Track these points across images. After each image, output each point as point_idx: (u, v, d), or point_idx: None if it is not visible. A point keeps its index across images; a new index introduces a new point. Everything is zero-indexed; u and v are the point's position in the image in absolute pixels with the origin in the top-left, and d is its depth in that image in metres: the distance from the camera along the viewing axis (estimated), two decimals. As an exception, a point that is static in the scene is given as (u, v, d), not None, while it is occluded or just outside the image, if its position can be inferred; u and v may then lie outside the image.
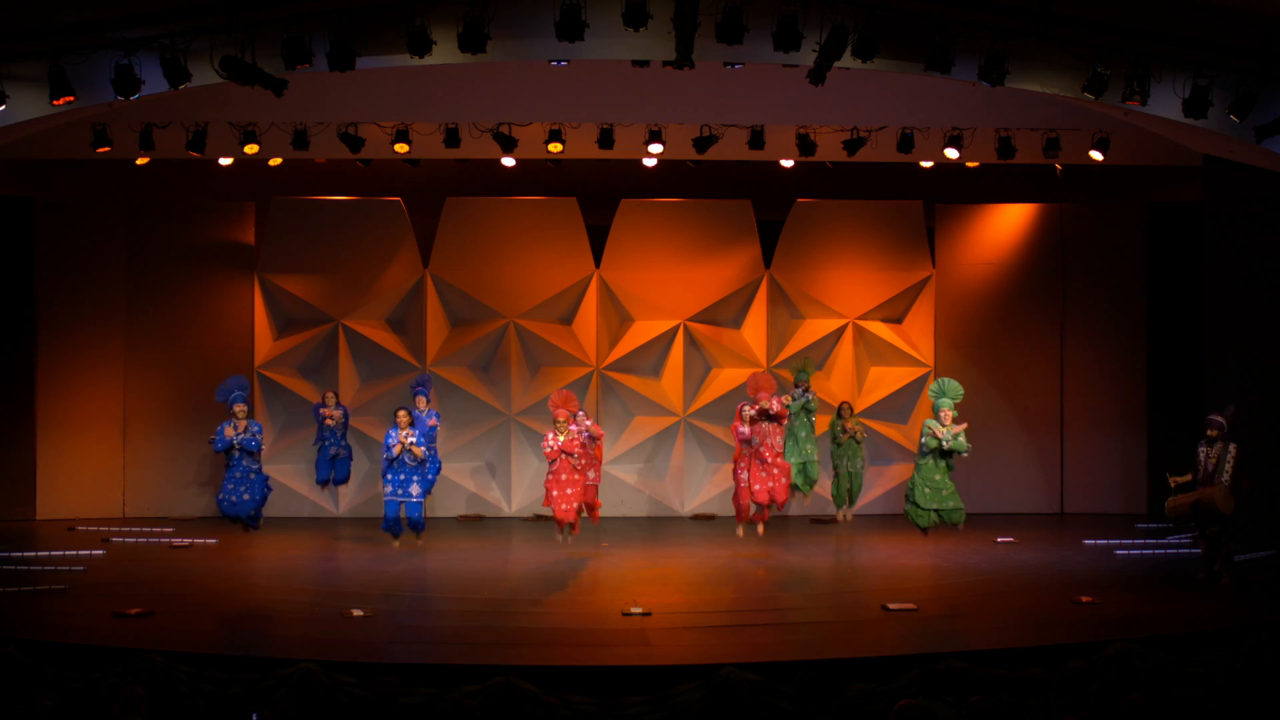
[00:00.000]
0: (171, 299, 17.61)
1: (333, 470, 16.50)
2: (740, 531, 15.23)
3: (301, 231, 17.72)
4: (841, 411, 16.94)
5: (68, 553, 14.47)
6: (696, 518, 17.79)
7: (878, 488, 17.62)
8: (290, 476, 17.59)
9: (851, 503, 17.00)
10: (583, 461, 14.56)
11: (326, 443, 16.40)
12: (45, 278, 17.32)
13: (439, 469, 15.94)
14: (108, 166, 16.51)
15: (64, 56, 11.22)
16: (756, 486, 14.71)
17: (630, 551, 15.11)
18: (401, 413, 14.92)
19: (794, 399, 16.00)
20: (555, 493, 14.44)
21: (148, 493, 17.57)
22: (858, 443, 16.82)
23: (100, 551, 14.80)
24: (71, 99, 11.32)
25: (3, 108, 11.42)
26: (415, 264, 17.77)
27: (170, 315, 17.61)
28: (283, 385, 17.58)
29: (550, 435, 14.48)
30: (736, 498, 15.03)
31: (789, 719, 8.90)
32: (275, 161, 16.10)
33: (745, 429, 14.67)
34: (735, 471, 14.99)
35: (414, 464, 14.81)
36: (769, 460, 14.75)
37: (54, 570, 13.47)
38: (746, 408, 14.78)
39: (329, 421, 16.25)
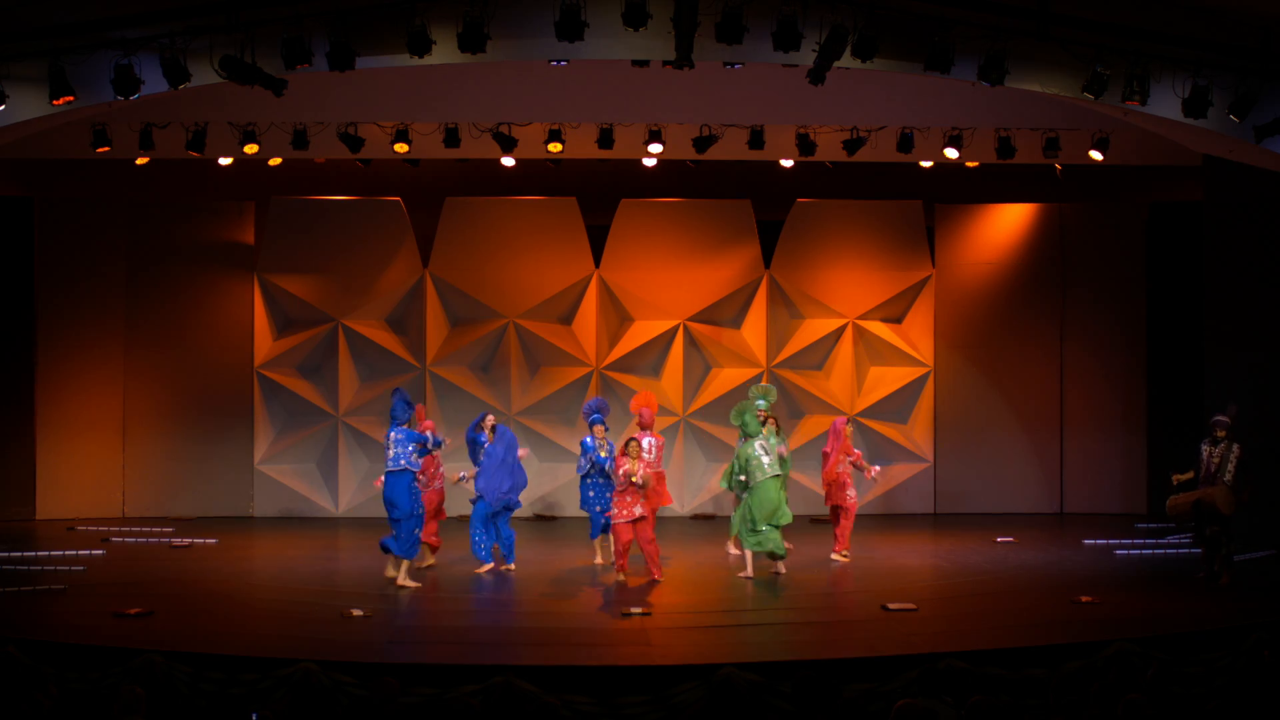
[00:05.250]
0: (171, 299, 17.60)
1: None
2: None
3: (301, 231, 17.72)
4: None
5: (68, 553, 14.47)
6: (696, 518, 17.79)
7: (879, 488, 17.57)
8: (290, 476, 17.60)
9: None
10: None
11: None
12: (45, 278, 17.31)
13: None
14: (108, 166, 16.50)
15: (64, 56, 11.21)
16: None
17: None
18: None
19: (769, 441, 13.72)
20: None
21: (148, 493, 17.56)
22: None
23: (100, 551, 14.80)
24: (71, 99, 11.31)
25: (3, 108, 11.42)
26: (415, 264, 17.76)
27: (170, 315, 17.60)
28: (282, 385, 17.58)
29: (646, 440, 13.55)
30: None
31: (789, 719, 8.89)
32: (275, 161, 16.10)
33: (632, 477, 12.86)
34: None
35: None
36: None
37: (54, 570, 13.47)
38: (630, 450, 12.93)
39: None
